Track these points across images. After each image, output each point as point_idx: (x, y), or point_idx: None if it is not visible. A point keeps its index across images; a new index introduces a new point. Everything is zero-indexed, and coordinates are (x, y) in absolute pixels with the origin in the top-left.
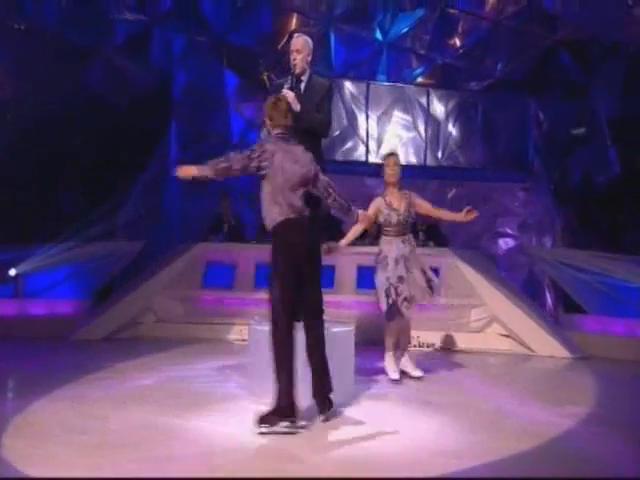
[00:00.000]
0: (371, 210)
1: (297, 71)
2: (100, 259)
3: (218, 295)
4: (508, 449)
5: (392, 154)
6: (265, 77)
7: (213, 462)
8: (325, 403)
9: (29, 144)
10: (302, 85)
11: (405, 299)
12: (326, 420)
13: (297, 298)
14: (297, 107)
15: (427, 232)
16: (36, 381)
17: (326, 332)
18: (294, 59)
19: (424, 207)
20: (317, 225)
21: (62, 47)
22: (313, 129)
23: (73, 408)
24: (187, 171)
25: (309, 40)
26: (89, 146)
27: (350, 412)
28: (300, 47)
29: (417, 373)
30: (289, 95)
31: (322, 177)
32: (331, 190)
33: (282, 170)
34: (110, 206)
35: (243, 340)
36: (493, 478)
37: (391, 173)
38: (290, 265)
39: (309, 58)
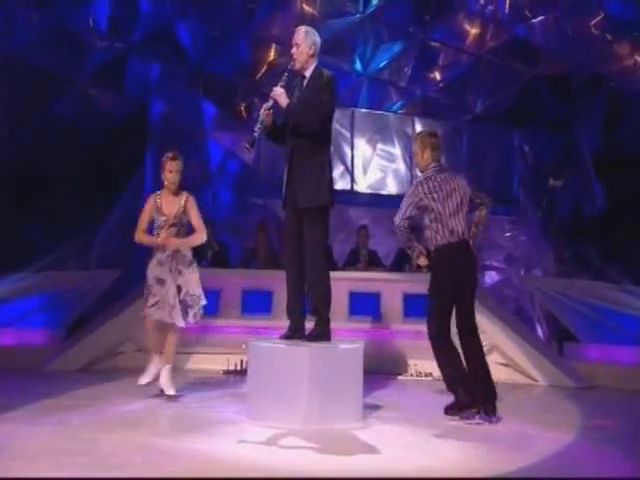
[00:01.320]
0: None
1: (296, 66)
2: (75, 288)
3: (201, 323)
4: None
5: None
6: (243, 108)
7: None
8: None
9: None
10: (305, 81)
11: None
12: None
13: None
14: (284, 103)
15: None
16: (11, 408)
17: (334, 350)
18: (292, 53)
19: None
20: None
21: (33, 76)
22: (302, 125)
23: (58, 432)
24: None
25: (310, 31)
26: (61, 177)
27: (362, 434)
28: (299, 40)
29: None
30: (277, 92)
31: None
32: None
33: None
34: (84, 236)
35: (229, 369)
36: (494, 478)
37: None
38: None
39: (311, 51)
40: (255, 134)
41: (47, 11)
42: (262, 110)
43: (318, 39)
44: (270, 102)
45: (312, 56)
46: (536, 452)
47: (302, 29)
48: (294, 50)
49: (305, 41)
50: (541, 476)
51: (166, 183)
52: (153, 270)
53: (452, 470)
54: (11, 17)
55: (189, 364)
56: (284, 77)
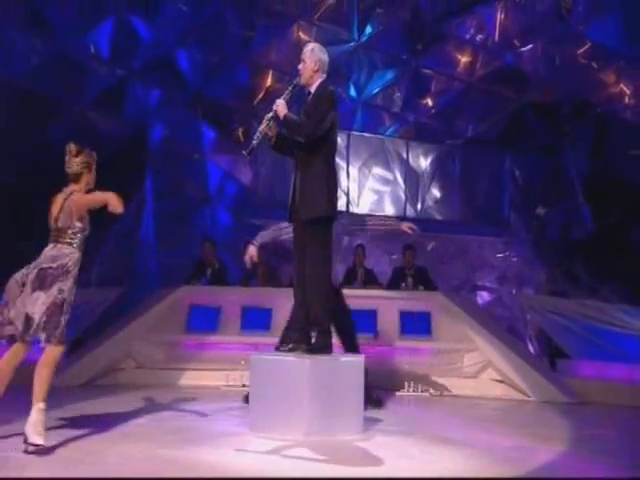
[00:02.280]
0: None
1: (302, 81)
2: (76, 306)
3: (201, 339)
4: None
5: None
6: (240, 132)
7: None
8: None
9: None
10: (310, 96)
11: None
12: None
13: None
14: (282, 114)
15: (416, 277)
16: (15, 421)
17: (336, 362)
18: (300, 68)
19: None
20: None
21: (34, 100)
22: (296, 134)
23: (62, 444)
24: None
25: (317, 48)
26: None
27: (364, 445)
28: (305, 57)
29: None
30: (277, 103)
31: None
32: None
33: None
34: (85, 255)
35: (229, 386)
36: (492, 478)
37: None
38: None
39: (316, 67)
40: (254, 142)
41: (49, 37)
42: (263, 120)
43: (324, 57)
44: (271, 113)
45: (317, 72)
46: (536, 463)
47: (310, 46)
48: (300, 65)
49: (310, 58)
50: None
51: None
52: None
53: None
54: (13, 43)
55: (189, 380)
56: (289, 90)
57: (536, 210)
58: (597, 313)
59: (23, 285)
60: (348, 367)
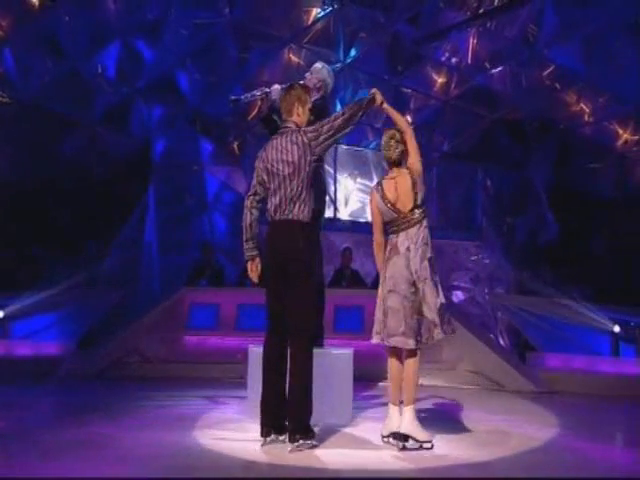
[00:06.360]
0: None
1: None
2: (83, 306)
3: (201, 335)
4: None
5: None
6: (236, 146)
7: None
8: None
9: (10, 205)
10: None
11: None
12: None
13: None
14: (273, 97)
15: None
16: (37, 410)
17: (327, 355)
18: (306, 75)
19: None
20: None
21: (48, 117)
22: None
23: (80, 430)
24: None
25: (325, 71)
26: (72, 207)
27: (353, 430)
28: (313, 71)
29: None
30: (274, 87)
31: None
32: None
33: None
34: (92, 258)
35: (227, 377)
36: (494, 478)
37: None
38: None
39: (318, 85)
40: (242, 97)
41: (61, 59)
42: (258, 90)
43: (329, 80)
44: (266, 90)
45: (317, 89)
46: (519, 444)
47: (321, 64)
48: (307, 74)
49: (316, 74)
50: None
51: None
52: None
53: (440, 457)
54: (29, 65)
55: (190, 372)
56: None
57: (506, 218)
58: (562, 310)
59: None
60: (338, 359)
